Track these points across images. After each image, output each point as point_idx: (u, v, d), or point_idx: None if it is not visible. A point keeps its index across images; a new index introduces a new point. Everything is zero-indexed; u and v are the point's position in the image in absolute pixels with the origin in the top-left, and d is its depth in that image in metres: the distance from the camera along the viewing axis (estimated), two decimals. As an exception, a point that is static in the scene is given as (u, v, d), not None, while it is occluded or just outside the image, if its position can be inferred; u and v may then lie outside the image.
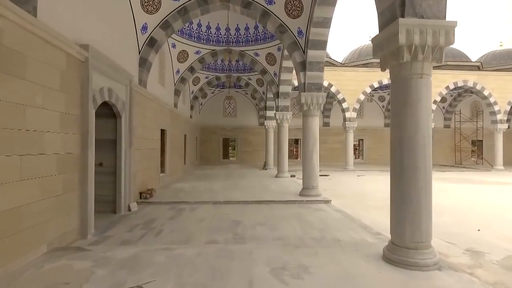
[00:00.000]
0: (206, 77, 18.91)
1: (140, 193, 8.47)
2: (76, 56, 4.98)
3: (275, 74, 14.17)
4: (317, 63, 8.96)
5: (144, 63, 8.74)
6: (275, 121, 19.36)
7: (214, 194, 9.35)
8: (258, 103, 24.18)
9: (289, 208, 7.81)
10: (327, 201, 8.57)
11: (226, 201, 8.39)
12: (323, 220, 6.61)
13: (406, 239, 3.94)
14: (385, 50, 4.21)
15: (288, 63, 13.38)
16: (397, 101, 4.16)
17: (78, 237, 5.09)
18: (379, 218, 7.07)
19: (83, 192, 5.21)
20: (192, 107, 19.17)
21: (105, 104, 6.68)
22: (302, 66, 9.07)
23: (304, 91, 9.02)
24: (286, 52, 12.90)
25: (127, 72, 7.23)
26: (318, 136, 9.21)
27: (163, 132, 11.83)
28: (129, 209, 7.27)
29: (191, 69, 14.06)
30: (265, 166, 19.86)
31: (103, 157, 7.03)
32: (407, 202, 3.98)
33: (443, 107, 25.56)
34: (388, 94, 24.70)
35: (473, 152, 26.13)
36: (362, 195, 10.40)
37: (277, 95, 14.24)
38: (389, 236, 5.39)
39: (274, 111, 14.85)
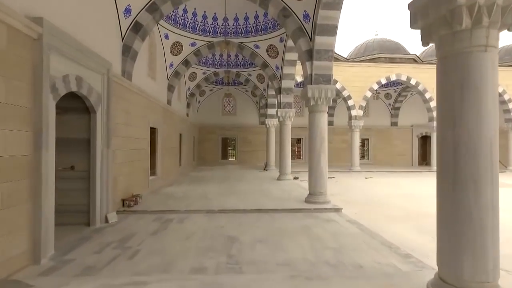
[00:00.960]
0: (204, 73, 17.79)
1: (123, 200, 7.37)
2: (24, 31, 3.87)
3: (277, 68, 13.05)
4: (325, 52, 7.84)
5: (127, 51, 7.63)
6: (276, 119, 18.28)
7: (208, 201, 8.24)
8: (259, 100, 23.06)
9: (295, 218, 6.70)
10: (337, 210, 7.45)
11: (221, 209, 7.28)
12: (336, 235, 5.49)
13: (465, 276, 2.82)
14: (431, 16, 3.08)
15: (291, 56, 12.26)
16: (449, 86, 3.02)
17: (29, 262, 3.98)
18: (403, 233, 5.95)
19: (36, 204, 4.09)
20: (188, 105, 18.07)
21: (76, 97, 5.59)
22: (309, 55, 7.95)
23: (311, 84, 7.91)
24: (289, 43, 11.79)
25: (103, 60, 6.13)
26: (326, 135, 8.10)
27: (153, 130, 10.72)
28: (107, 221, 6.16)
29: (186, 63, 12.95)
30: (266, 167, 18.75)
31: (75, 159, 5.93)
32: (466, 224, 2.85)
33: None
34: (395, 91, 23.59)
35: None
36: (375, 201, 9.27)
37: (279, 90, 13.12)
38: (423, 259, 4.30)
39: (276, 108, 13.73)
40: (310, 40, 7.94)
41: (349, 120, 19.21)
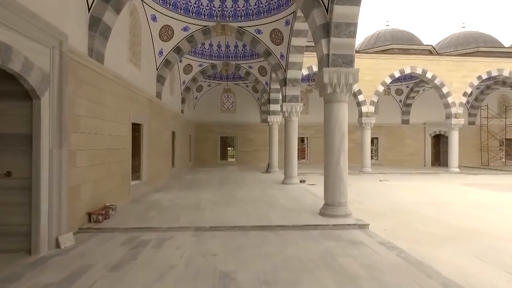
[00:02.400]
0: (200, 65, 16.20)
1: (89, 214, 5.77)
2: None
3: (281, 56, 11.43)
4: (347, 26, 6.23)
5: (96, 25, 6.02)
6: (280, 116, 16.70)
7: (199, 213, 6.62)
8: (260, 96, 21.46)
9: (310, 239, 5.09)
10: (363, 226, 5.83)
11: (215, 226, 5.67)
12: (373, 269, 3.88)
13: None
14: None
15: (298, 41, 10.64)
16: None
17: None
18: (460, 262, 4.33)
19: None
20: (183, 100, 16.47)
21: (11, 78, 4.00)
22: (325, 31, 6.33)
23: (328, 66, 6.30)
24: (296, 26, 10.18)
25: (53, 28, 4.52)
26: (346, 131, 6.48)
27: (137, 127, 9.13)
28: (58, 245, 4.56)
29: (178, 50, 11.34)
30: (268, 169, 17.14)
31: (12, 163, 4.34)
32: None
33: (468, 102, 22.72)
34: (407, 86, 21.94)
35: (501, 152, 23.32)
36: (403, 212, 7.65)
37: (284, 82, 11.50)
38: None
39: (281, 102, 12.11)
40: (327, 11, 6.32)
41: (359, 117, 17.59)
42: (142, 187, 9.12)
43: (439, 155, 23.85)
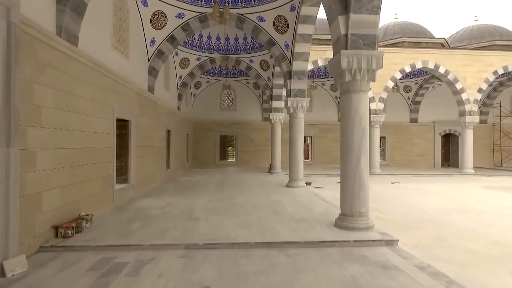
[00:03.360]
0: (197, 59, 15.15)
1: (56, 228, 4.71)
2: None
3: (286, 46, 10.36)
4: (369, 0, 5.17)
5: (66, -2, 4.96)
6: (284, 113, 15.65)
7: (191, 226, 5.56)
8: (262, 94, 20.40)
9: (329, 262, 4.03)
10: (390, 242, 4.76)
11: (209, 243, 4.60)
12: (424, 314, 2.81)
13: None
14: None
15: (305, 28, 9.59)
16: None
17: None
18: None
19: None
20: (180, 97, 15.42)
21: None
22: (342, 6, 5.26)
23: (346, 48, 5.23)
24: (303, 11, 9.13)
25: (-3, -11, 3.47)
26: (368, 126, 5.43)
27: (124, 124, 8.08)
28: (3, 273, 3.50)
29: (172, 39, 10.28)
30: (270, 170, 16.08)
31: None
32: None
33: (480, 99, 21.59)
34: (416, 83, 20.86)
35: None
36: (431, 221, 6.58)
37: (289, 75, 10.43)
38: None
39: (285, 98, 11.03)
40: (345, -18, 5.25)
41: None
42: (129, 191, 8.06)
43: (448, 156, 22.79)
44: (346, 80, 5.27)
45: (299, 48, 9.94)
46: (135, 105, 8.62)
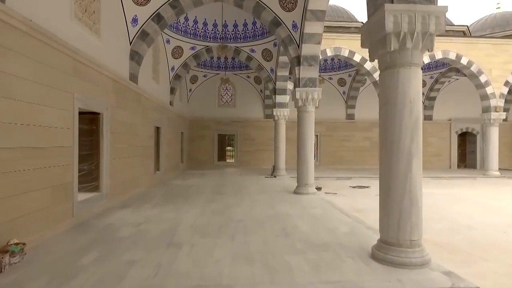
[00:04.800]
0: (192, 48, 13.53)
1: (-42, 269, 3.09)
2: None
3: (294, 26, 8.73)
4: None
5: None
6: (288, 109, 14.04)
7: (169, 257, 3.93)
8: (264, 88, 18.76)
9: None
10: (465, 290, 3.14)
11: (190, 294, 2.98)
12: None
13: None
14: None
15: (318, 3, 7.96)
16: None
17: None
18: None
19: None
20: (172, 90, 13.79)
21: None
22: None
23: (392, 2, 3.61)
24: (316, -19, 7.47)
25: None
26: (421, 116, 3.81)
27: (93, 117, 6.47)
28: None
29: (158, 18, 8.66)
30: (273, 172, 14.46)
31: None
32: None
33: (501, 94, 19.93)
34: (431, 77, 19.20)
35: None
36: (488, 242, 4.96)
37: (297, 61, 8.80)
38: None
39: (292, 89, 9.39)
40: None
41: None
42: (100, 202, 6.43)
43: (464, 156, 21.14)
44: (391, 49, 3.64)
45: (310, 28, 8.31)
46: (110, 95, 7.00)
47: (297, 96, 8.66)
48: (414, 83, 3.69)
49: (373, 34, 3.84)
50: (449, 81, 19.54)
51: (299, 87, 8.70)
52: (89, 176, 6.48)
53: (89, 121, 6.55)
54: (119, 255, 3.90)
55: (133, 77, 8.58)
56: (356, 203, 8.43)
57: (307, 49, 8.53)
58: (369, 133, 19.60)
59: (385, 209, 3.83)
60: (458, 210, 7.64)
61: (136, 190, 8.78)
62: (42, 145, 4.51)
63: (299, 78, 8.74)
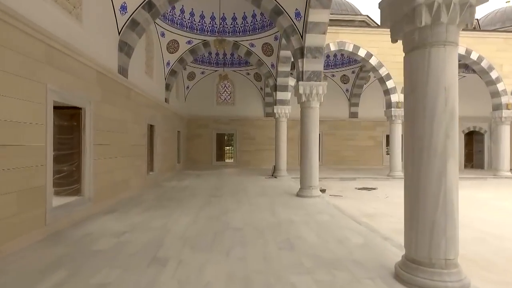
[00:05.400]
0: (188, 42, 12.85)
1: None
2: None
3: (297, 14, 8.05)
4: None
5: None
6: (290, 106, 13.38)
7: (148, 280, 3.25)
8: (264, 86, 18.08)
9: None
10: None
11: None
12: None
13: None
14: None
15: (323, -11, 7.27)
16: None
17: None
18: None
19: None
20: (168, 87, 13.11)
21: None
22: None
23: (425, -34, 2.92)
24: (322, -37, 6.79)
25: None
26: (457, 107, 3.14)
27: (75, 113, 5.79)
28: None
29: (150, 6, 7.97)
30: (274, 172, 13.78)
31: None
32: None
33: (509, 92, 19.28)
34: (437, 74, 18.51)
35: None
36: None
37: (300, 53, 8.12)
38: None
39: (295, 84, 8.71)
40: None
41: (388, 108, 14.20)
42: (81, 207, 5.75)
43: (471, 156, 20.45)
44: (422, 24, 2.96)
45: (315, 16, 7.63)
46: (95, 88, 6.32)
47: (301, 91, 7.98)
48: (450, 66, 3.01)
49: (397, 8, 3.16)
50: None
51: (302, 81, 8.02)
52: (70, 178, 5.81)
53: (70, 117, 5.89)
54: (88, 276, 3.22)
55: (123, 70, 7.90)
56: (365, 207, 7.76)
57: (311, 39, 7.85)
58: (373, 132, 18.92)
59: (412, 220, 3.15)
60: (478, 215, 6.97)
61: (127, 193, 8.10)
62: (4, 143, 3.83)
63: (302, 71, 8.06)
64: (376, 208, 7.58)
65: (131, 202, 7.26)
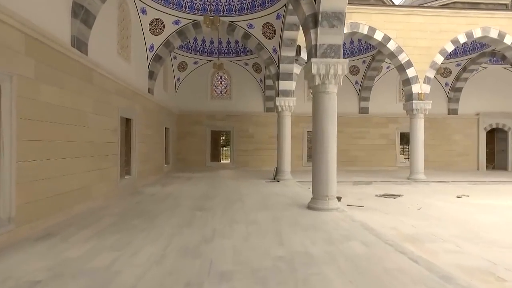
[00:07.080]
0: (176, 22, 10.93)
1: None
2: None
3: (309, -31, 6.08)
4: None
5: None
6: (294, 98, 11.44)
7: None
8: (264, 78, 16.14)
9: None
10: None
11: None
12: None
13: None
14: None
15: None
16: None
17: None
18: None
19: None
20: (152, 75, 11.17)
21: None
22: None
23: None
24: None
25: None
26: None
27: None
28: None
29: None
30: (276, 175, 11.82)
31: None
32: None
33: (536, 85, 17.38)
34: (457, 64, 16.61)
35: None
36: None
37: (313, 20, 6.14)
38: None
39: (307, 61, 6.73)
40: None
41: (408, 100, 12.26)
42: (13, 231, 3.80)
43: (492, 156, 18.54)
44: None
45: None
46: (21, 58, 4.38)
47: (313, 70, 6.01)
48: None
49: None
50: (476, 70, 16.97)
51: (315, 57, 6.06)
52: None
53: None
54: None
55: (79, 43, 5.96)
56: (399, 223, 5.83)
57: (328, 1, 5.89)
58: (386, 129, 17.00)
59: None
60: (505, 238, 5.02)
61: (86, 204, 6.16)
62: None
63: (316, 45, 6.10)
64: (416, 227, 5.64)
65: (85, 220, 5.31)
